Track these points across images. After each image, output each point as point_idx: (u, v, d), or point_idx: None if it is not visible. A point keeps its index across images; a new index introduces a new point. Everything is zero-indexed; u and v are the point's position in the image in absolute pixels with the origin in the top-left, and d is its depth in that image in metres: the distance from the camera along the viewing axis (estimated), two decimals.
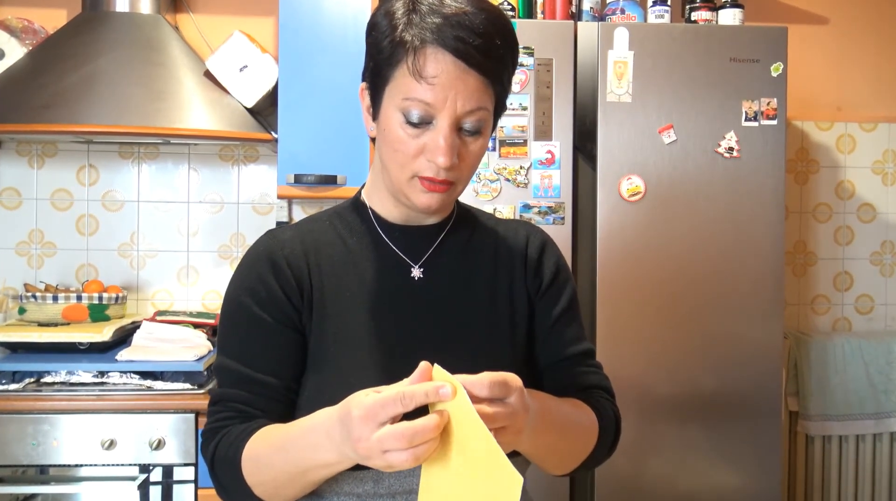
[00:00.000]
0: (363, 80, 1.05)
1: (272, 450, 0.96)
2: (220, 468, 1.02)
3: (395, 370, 0.98)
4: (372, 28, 1.01)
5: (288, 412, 1.04)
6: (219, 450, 1.02)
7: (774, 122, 2.23)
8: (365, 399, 0.82)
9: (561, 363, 1.14)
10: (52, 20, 2.61)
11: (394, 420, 0.81)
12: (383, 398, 0.80)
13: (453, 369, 0.92)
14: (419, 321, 1.07)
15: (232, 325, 1.07)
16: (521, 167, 2.20)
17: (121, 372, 2.14)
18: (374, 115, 1.02)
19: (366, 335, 1.04)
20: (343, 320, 1.05)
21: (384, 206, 1.10)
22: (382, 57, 0.98)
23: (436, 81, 0.94)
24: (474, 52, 0.95)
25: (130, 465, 2.06)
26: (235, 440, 1.00)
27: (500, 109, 1.04)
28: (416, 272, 1.09)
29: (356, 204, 1.14)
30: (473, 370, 0.93)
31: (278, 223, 2.72)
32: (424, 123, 0.97)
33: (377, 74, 1.00)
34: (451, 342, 1.06)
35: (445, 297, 1.09)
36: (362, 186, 1.16)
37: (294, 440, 0.94)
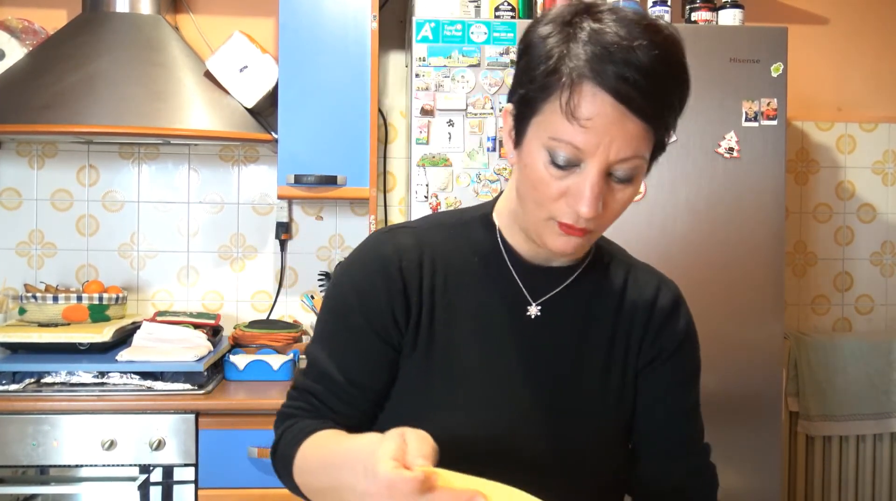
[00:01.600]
0: (509, 100, 0.95)
1: (317, 464, 0.94)
2: (279, 459, 1.01)
3: (493, 408, 0.99)
4: (526, 49, 0.91)
5: (363, 420, 1.03)
6: (282, 440, 1.01)
7: (774, 122, 2.23)
8: (384, 468, 0.74)
9: (658, 445, 1.07)
10: (53, 21, 2.61)
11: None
12: (401, 479, 0.73)
13: (557, 423, 0.97)
14: (530, 363, 1.01)
15: (332, 319, 1.04)
16: None
17: (121, 373, 2.14)
18: (517, 142, 0.93)
19: (471, 367, 1.00)
20: (451, 346, 1.01)
21: (514, 235, 1.02)
22: (534, 86, 0.88)
23: (590, 124, 0.84)
24: (638, 95, 0.83)
25: (130, 465, 2.06)
26: (296, 436, 0.98)
27: (658, 152, 0.93)
28: (534, 311, 1.02)
29: (486, 221, 1.05)
30: (576, 425, 0.98)
31: (279, 225, 2.72)
32: (571, 165, 0.87)
33: (525, 103, 0.90)
34: (556, 391, 1.02)
35: (560, 342, 1.02)
36: (495, 201, 1.07)
37: (334, 459, 0.90)
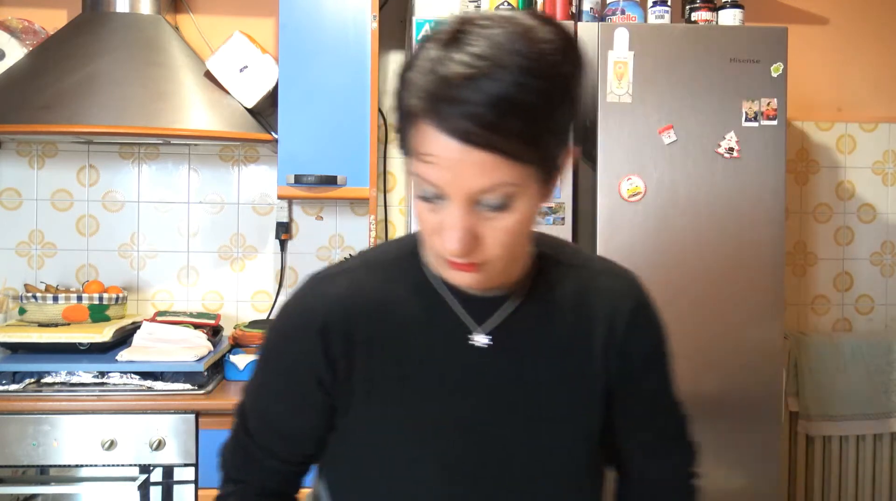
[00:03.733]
0: None
1: None
2: None
3: (457, 453, 0.95)
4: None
5: (299, 468, 1.04)
6: None
7: (774, 122, 2.23)
8: None
9: (646, 453, 1.07)
10: (53, 21, 2.61)
11: None
12: None
13: (523, 459, 0.93)
14: (486, 398, 0.95)
15: (260, 370, 1.03)
16: None
17: (121, 373, 2.14)
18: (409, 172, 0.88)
19: (425, 413, 0.95)
20: (396, 396, 0.95)
21: None
22: (397, 119, 0.85)
23: (434, 159, 0.79)
24: (480, 130, 0.76)
25: (131, 465, 2.06)
26: None
27: (547, 169, 0.83)
28: (481, 339, 0.95)
29: (415, 254, 0.97)
30: (544, 455, 0.94)
31: (279, 225, 2.72)
32: (438, 198, 0.82)
33: (399, 136, 0.86)
34: (520, 423, 0.96)
35: (515, 369, 0.95)
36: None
37: None
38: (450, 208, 0.81)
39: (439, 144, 0.78)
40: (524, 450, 0.96)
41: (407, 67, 0.82)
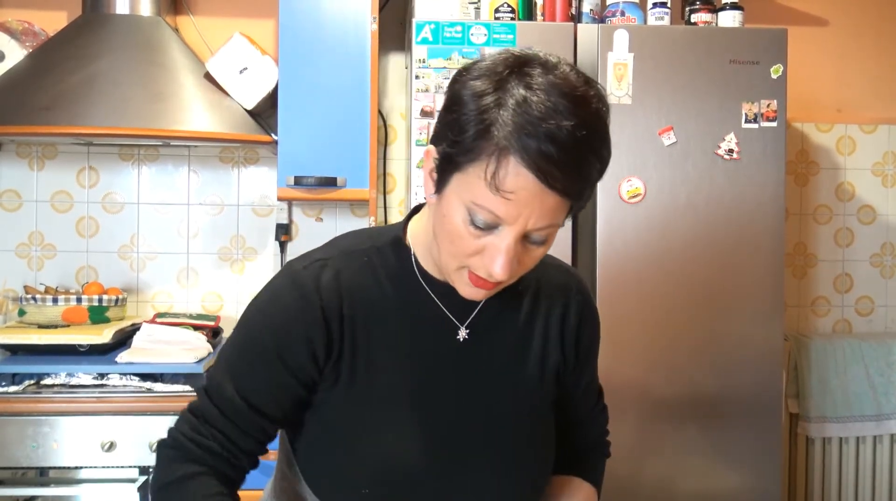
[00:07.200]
0: (433, 142, 0.94)
1: None
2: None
3: (434, 439, 1.02)
4: (455, 102, 0.90)
5: (254, 455, 1.06)
6: (174, 489, 1.02)
7: (774, 123, 2.23)
8: None
9: (576, 424, 1.20)
10: (53, 22, 2.61)
11: None
12: None
13: (487, 440, 1.03)
14: (463, 387, 1.04)
15: (244, 354, 1.04)
16: None
17: (121, 374, 2.14)
18: (438, 188, 0.93)
19: (404, 400, 1.02)
20: (374, 376, 1.02)
21: (430, 263, 1.04)
22: (460, 146, 0.88)
23: (512, 197, 0.86)
24: (559, 174, 0.85)
25: (130, 467, 2.06)
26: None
27: (576, 211, 0.95)
28: (462, 334, 1.05)
29: (397, 245, 1.05)
30: (504, 435, 1.03)
31: (279, 226, 2.71)
32: (490, 227, 0.89)
33: (449, 157, 0.90)
34: (493, 409, 1.05)
35: (490, 361, 1.05)
36: (405, 223, 1.07)
37: None
38: (503, 236, 0.89)
39: (520, 181, 0.85)
40: (487, 427, 1.04)
41: (493, 105, 0.86)
